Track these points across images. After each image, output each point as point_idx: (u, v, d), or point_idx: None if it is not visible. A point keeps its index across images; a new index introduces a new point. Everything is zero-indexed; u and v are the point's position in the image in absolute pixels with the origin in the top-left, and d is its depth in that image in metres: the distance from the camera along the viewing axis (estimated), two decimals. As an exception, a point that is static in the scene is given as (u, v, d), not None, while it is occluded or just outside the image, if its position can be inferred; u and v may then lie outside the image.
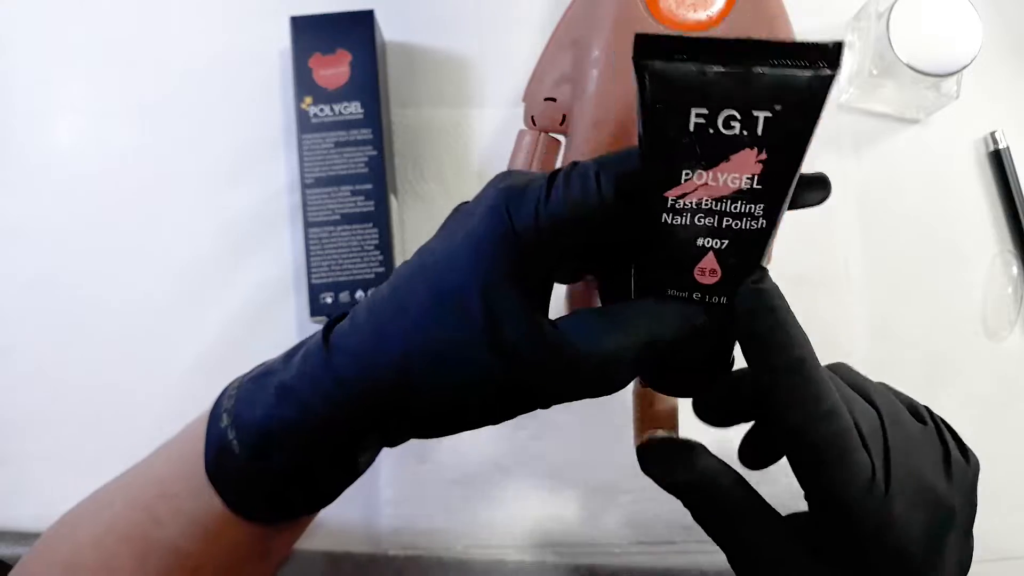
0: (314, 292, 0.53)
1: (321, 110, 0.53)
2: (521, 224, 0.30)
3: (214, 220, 0.57)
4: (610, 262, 0.34)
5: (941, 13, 0.50)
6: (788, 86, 0.25)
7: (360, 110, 0.53)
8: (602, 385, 0.32)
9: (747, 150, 0.26)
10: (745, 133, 0.26)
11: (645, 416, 0.44)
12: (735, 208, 0.28)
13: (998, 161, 0.56)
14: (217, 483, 0.34)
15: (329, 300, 0.53)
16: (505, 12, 0.58)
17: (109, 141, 0.59)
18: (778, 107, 0.25)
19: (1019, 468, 0.54)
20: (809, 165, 0.61)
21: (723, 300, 0.30)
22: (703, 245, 0.29)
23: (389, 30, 0.58)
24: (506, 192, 0.30)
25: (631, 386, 0.45)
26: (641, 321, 0.30)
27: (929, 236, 0.56)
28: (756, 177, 0.27)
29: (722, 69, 0.25)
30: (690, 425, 0.54)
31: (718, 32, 0.42)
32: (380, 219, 0.53)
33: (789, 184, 0.27)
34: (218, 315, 0.57)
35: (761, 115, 0.26)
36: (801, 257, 0.55)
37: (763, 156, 0.26)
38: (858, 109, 0.57)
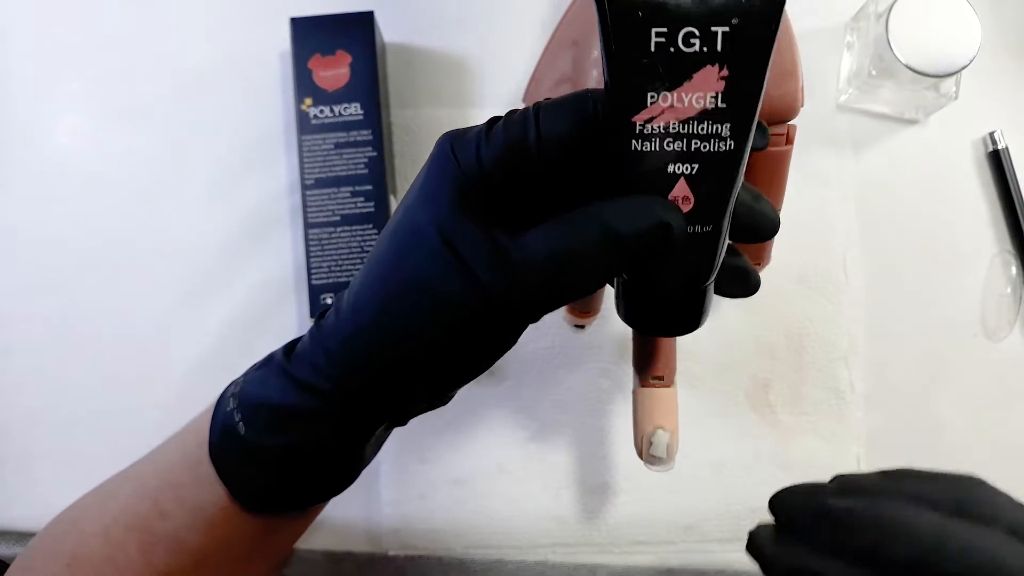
0: (314, 293, 0.53)
1: (321, 111, 0.54)
2: (465, 161, 0.30)
3: (214, 221, 0.57)
4: (566, 199, 0.33)
5: (940, 14, 0.51)
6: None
7: (360, 111, 0.54)
8: (564, 288, 0.31)
9: (709, 67, 0.27)
10: (705, 49, 0.27)
11: (645, 415, 0.44)
12: (702, 130, 0.28)
13: (997, 161, 0.56)
14: (219, 464, 0.35)
15: (329, 301, 0.53)
16: (505, 13, 0.58)
17: (109, 142, 0.59)
18: (735, 21, 0.26)
19: (1019, 468, 0.54)
20: (810, 165, 0.61)
21: (707, 229, 0.30)
22: (673, 172, 0.29)
23: (389, 31, 0.58)
24: (450, 137, 0.32)
25: (632, 385, 0.45)
26: (599, 214, 0.30)
27: (928, 236, 0.56)
28: (720, 95, 0.27)
29: None
30: (690, 425, 0.54)
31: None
32: (380, 220, 0.53)
33: (754, 101, 0.28)
34: (218, 316, 0.57)
35: (719, 30, 0.26)
36: (801, 257, 0.55)
37: (724, 72, 0.27)
38: (857, 109, 0.57)
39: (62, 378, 0.57)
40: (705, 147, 0.28)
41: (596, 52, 0.43)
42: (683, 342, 0.48)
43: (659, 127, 0.28)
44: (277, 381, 0.34)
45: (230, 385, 0.36)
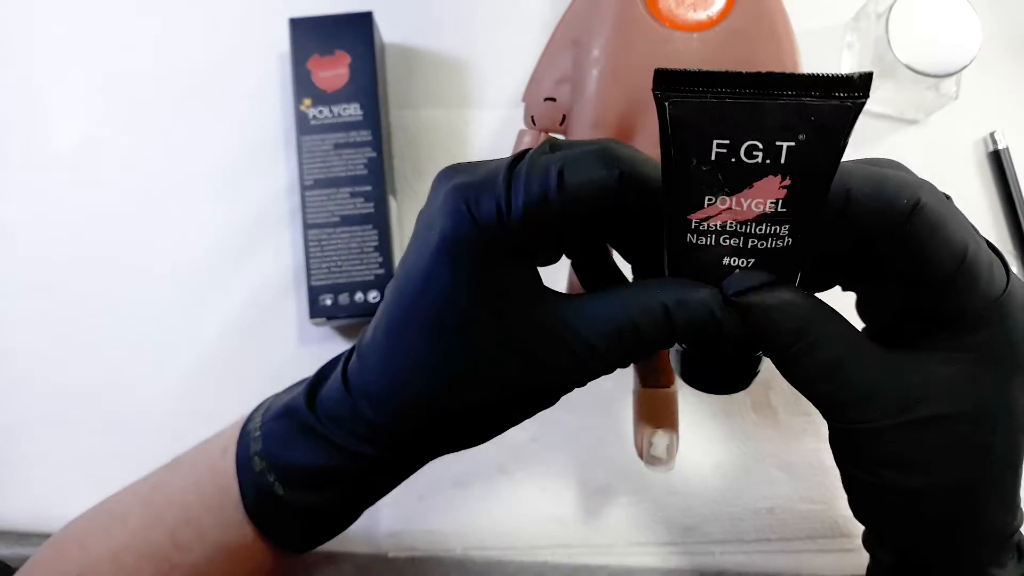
0: (313, 294, 0.53)
1: (320, 112, 0.53)
2: (484, 221, 0.29)
3: (213, 222, 0.57)
4: (590, 247, 0.33)
5: (940, 13, 0.50)
6: (811, 116, 0.25)
7: (359, 112, 0.53)
8: (620, 360, 0.31)
9: (770, 177, 0.26)
10: (768, 161, 0.26)
11: (645, 416, 0.44)
12: (760, 230, 0.27)
13: (998, 161, 0.56)
14: (262, 524, 0.35)
15: (329, 302, 0.52)
16: (504, 13, 0.58)
17: (109, 143, 0.59)
18: (801, 136, 0.25)
19: (1020, 468, 0.54)
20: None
21: None
22: (728, 264, 0.29)
23: (388, 32, 0.58)
24: (463, 191, 0.30)
25: (632, 386, 0.45)
26: (658, 294, 0.29)
27: (929, 236, 0.56)
28: (780, 201, 0.27)
29: (743, 101, 0.25)
30: (691, 426, 0.54)
31: (718, 30, 0.42)
32: (379, 221, 0.53)
33: (817, 205, 0.27)
34: (217, 317, 0.56)
35: (784, 144, 0.25)
36: (801, 258, 0.55)
37: (787, 182, 0.26)
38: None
39: (62, 378, 0.57)
40: (763, 245, 0.28)
41: (596, 51, 0.43)
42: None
43: (716, 225, 0.28)
44: (309, 442, 0.34)
45: (247, 436, 0.36)
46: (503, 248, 0.29)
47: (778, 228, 0.27)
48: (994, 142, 0.56)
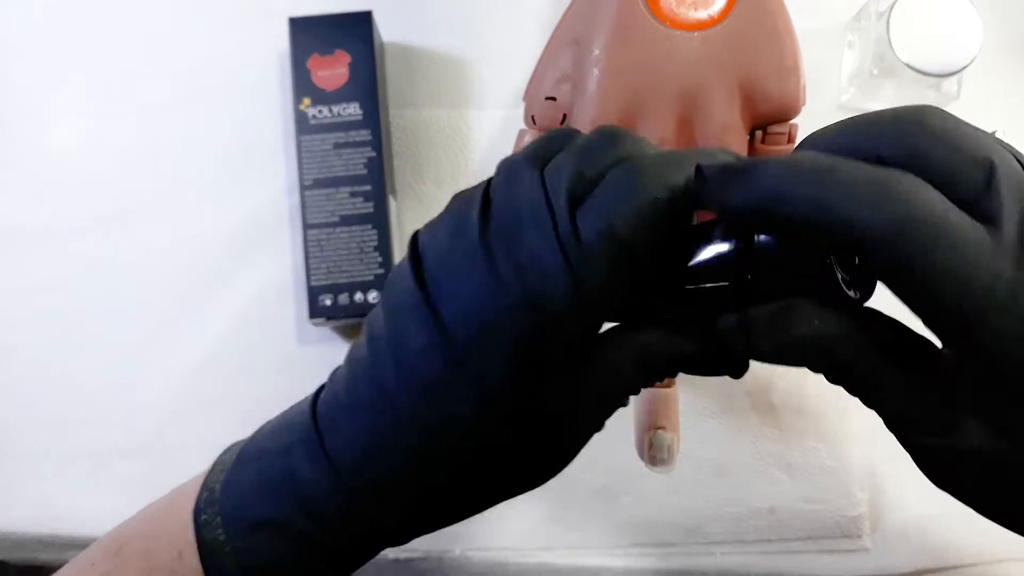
0: (313, 294, 0.52)
1: (320, 111, 0.53)
2: (556, 311, 0.26)
3: (213, 222, 0.57)
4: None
5: (941, 13, 0.50)
6: None
7: (359, 111, 0.53)
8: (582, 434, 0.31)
9: None
10: None
11: (645, 416, 0.44)
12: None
13: (998, 161, 0.56)
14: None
15: (328, 302, 0.52)
16: (504, 12, 0.58)
17: (108, 143, 0.59)
18: None
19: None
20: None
21: None
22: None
23: (388, 31, 0.57)
24: (521, 279, 0.26)
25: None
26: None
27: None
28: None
29: None
30: (691, 426, 0.54)
31: (718, 30, 0.42)
32: (379, 221, 0.53)
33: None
34: (217, 317, 0.56)
35: None
36: (802, 257, 0.55)
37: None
38: (858, 109, 0.57)
39: (61, 378, 0.56)
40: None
41: (597, 51, 0.43)
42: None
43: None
44: (292, 554, 0.30)
45: (200, 508, 0.31)
46: (574, 329, 0.27)
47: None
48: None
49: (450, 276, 0.27)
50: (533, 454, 0.30)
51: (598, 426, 0.31)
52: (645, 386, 0.30)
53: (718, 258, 0.27)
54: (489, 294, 0.26)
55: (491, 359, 0.26)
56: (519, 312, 0.26)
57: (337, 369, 0.31)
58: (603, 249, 0.25)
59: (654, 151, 0.28)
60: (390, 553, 0.54)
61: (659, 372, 0.29)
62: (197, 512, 0.31)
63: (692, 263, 0.28)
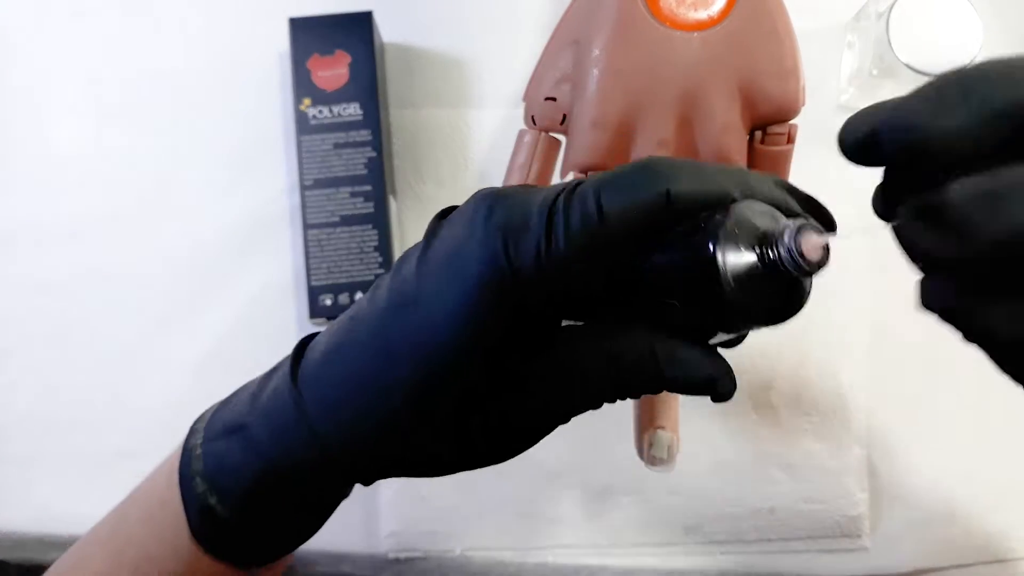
0: (314, 294, 0.53)
1: (320, 112, 0.53)
2: (523, 270, 0.27)
3: (213, 222, 0.57)
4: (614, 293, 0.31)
5: (941, 13, 0.50)
6: None
7: (359, 111, 0.53)
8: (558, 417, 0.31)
9: None
10: None
11: (645, 416, 0.44)
12: None
13: (998, 161, 0.56)
14: (206, 544, 0.33)
15: (329, 302, 0.52)
16: (504, 13, 0.58)
17: (108, 143, 0.59)
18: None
19: (1020, 469, 0.54)
20: (810, 164, 0.62)
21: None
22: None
23: (388, 31, 0.57)
24: (503, 233, 0.27)
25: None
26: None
27: (929, 236, 0.56)
28: None
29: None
30: (691, 425, 0.54)
31: (718, 30, 0.42)
32: (379, 221, 0.53)
33: None
34: (217, 317, 0.56)
35: None
36: (801, 258, 0.55)
37: None
38: (858, 109, 0.57)
39: (61, 379, 0.56)
40: None
41: (597, 51, 0.43)
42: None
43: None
44: (245, 455, 0.32)
45: (188, 453, 0.34)
46: (537, 297, 0.27)
47: None
48: (995, 142, 0.56)
49: (450, 227, 0.29)
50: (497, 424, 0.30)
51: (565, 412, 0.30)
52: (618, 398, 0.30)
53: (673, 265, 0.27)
54: (469, 235, 0.28)
55: (451, 292, 0.27)
56: (487, 257, 0.27)
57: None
58: (581, 224, 0.26)
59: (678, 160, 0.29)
60: (390, 553, 0.54)
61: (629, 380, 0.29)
62: (186, 440, 0.34)
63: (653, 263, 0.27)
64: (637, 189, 0.27)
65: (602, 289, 0.28)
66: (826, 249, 0.25)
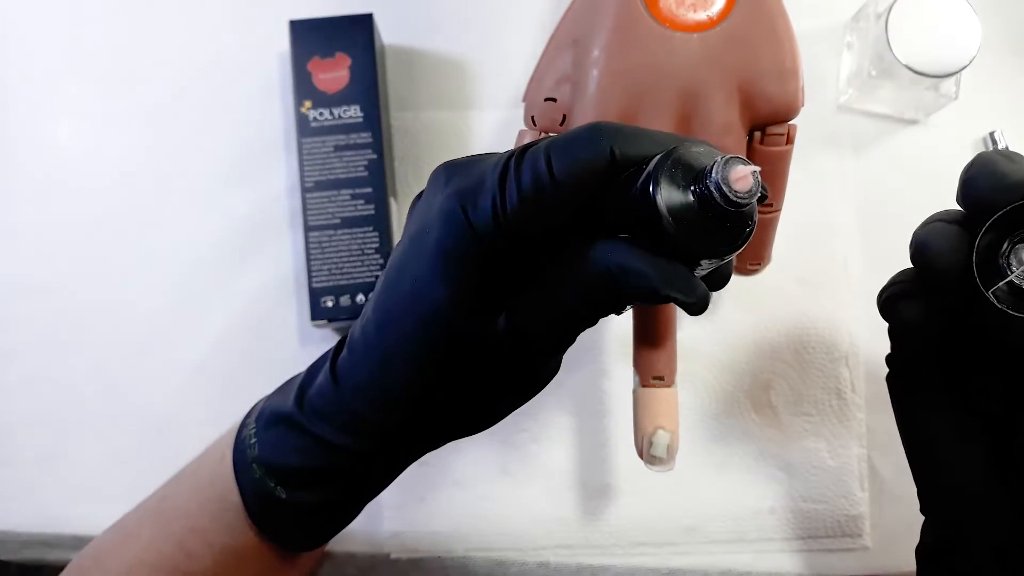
0: (315, 296, 0.53)
1: (320, 114, 0.54)
2: (481, 226, 0.29)
3: (214, 224, 0.57)
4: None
5: (940, 13, 0.51)
6: None
7: (360, 114, 0.53)
8: (539, 376, 0.34)
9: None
10: None
11: (645, 416, 0.44)
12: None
13: (997, 161, 0.56)
14: (264, 526, 0.36)
15: (330, 304, 0.53)
16: (504, 14, 0.58)
17: (109, 145, 0.59)
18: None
19: (1021, 468, 0.54)
20: (810, 165, 0.61)
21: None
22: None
23: (388, 33, 0.58)
24: (459, 195, 0.30)
25: (632, 385, 0.45)
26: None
27: (929, 236, 0.56)
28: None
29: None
30: (691, 425, 0.54)
31: (718, 31, 0.42)
32: (380, 223, 0.53)
33: None
34: (218, 320, 0.57)
35: None
36: (801, 258, 0.55)
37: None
38: (857, 110, 0.57)
39: (61, 380, 0.57)
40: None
41: (596, 51, 0.43)
42: (684, 342, 0.48)
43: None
44: (300, 443, 0.35)
45: (242, 442, 0.37)
46: (499, 251, 0.29)
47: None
48: (994, 142, 0.56)
49: (419, 202, 0.33)
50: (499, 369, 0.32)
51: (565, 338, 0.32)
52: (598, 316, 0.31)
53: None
54: (431, 203, 0.31)
55: (426, 256, 0.30)
56: (448, 217, 0.30)
57: None
58: (532, 182, 0.29)
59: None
60: (391, 553, 0.54)
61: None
62: (239, 430, 0.37)
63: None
64: (583, 148, 0.29)
65: (565, 232, 0.30)
66: (755, 177, 0.26)
